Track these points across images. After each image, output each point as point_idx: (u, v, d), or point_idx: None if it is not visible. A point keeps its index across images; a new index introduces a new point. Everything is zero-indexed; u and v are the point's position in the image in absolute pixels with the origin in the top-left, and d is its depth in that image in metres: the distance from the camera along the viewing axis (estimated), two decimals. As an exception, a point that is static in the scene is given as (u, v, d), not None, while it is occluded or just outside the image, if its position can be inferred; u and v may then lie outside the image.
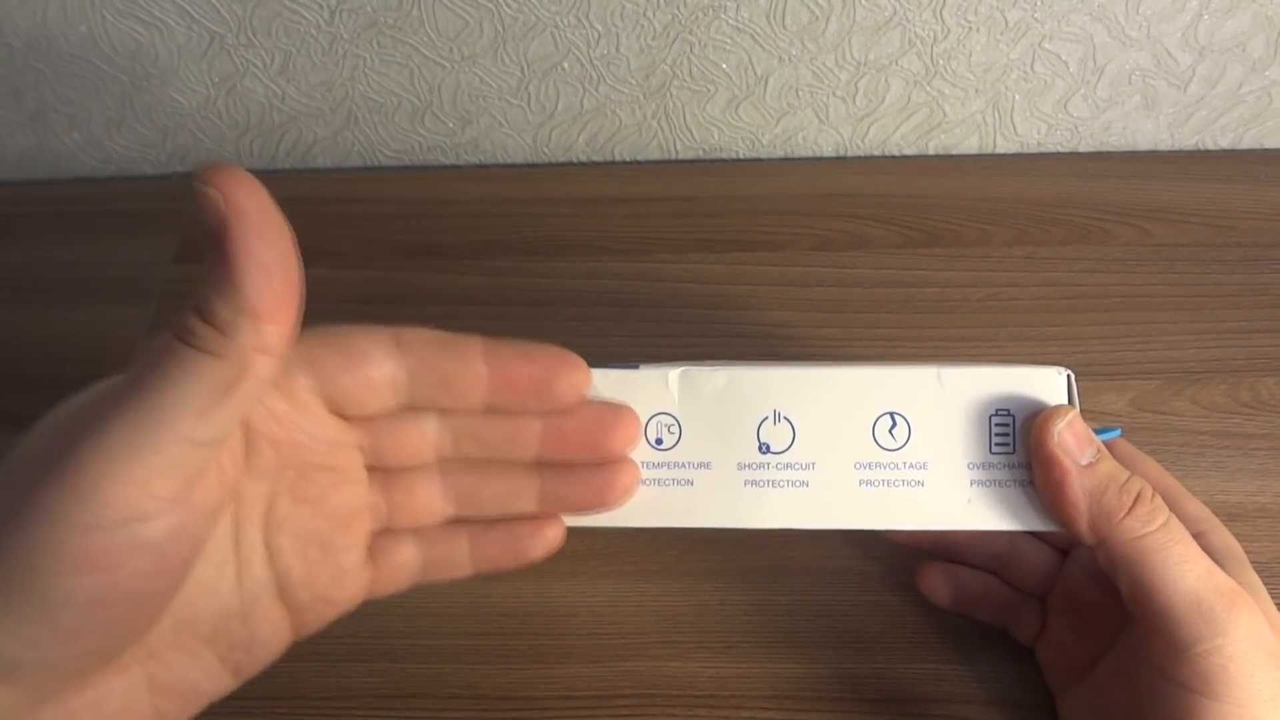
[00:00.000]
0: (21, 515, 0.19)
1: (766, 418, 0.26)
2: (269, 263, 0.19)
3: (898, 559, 0.36)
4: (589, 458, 0.25)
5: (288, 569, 0.24)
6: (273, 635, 0.24)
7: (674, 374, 0.26)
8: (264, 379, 0.20)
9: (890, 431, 0.26)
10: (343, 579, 0.24)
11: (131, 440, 0.19)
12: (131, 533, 0.19)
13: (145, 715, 0.22)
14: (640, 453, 0.26)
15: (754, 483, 0.26)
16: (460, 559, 0.26)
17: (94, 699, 0.21)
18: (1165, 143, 0.50)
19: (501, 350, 0.24)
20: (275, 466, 0.23)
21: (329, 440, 0.24)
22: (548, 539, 0.25)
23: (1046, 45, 0.45)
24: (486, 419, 0.24)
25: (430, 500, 0.25)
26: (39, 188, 0.51)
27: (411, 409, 0.24)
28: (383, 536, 0.25)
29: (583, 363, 0.24)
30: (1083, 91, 0.47)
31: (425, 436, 0.25)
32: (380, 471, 0.25)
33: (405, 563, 0.25)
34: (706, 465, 0.26)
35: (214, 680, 0.23)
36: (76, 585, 0.19)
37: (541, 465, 0.25)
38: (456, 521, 0.26)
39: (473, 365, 0.23)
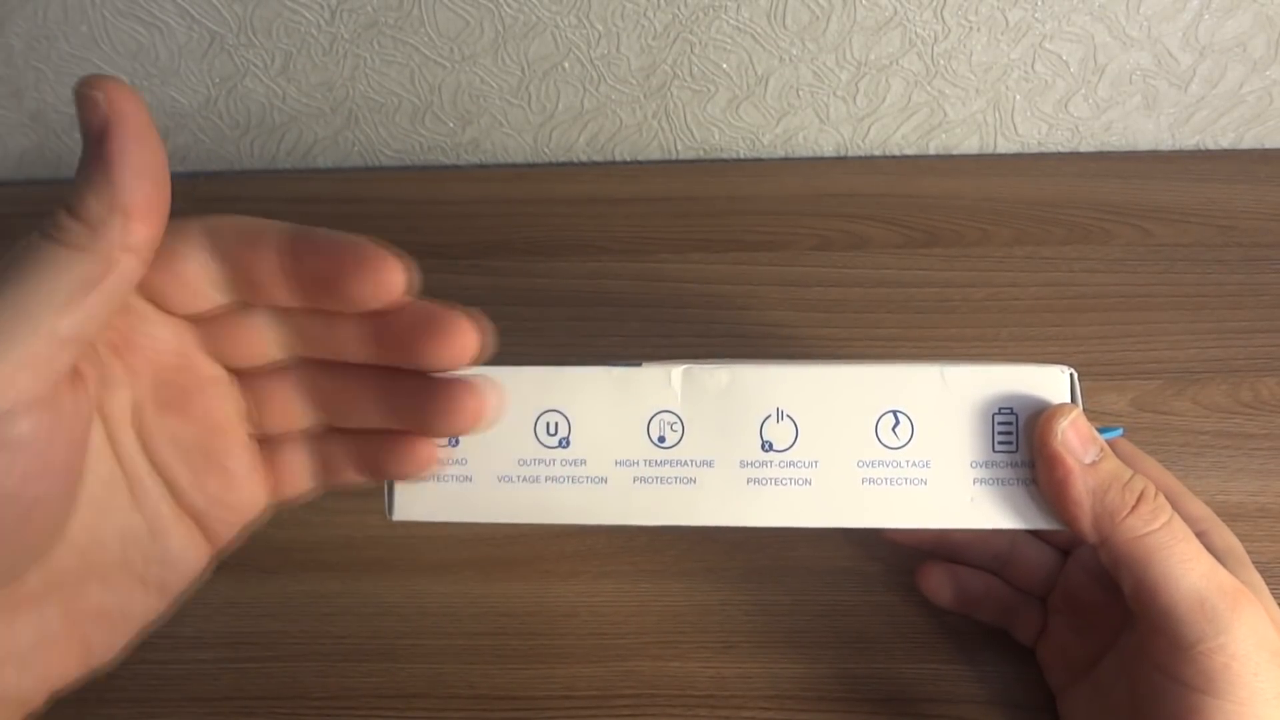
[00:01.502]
0: None
1: (769, 416, 0.26)
2: (145, 165, 0.20)
3: (899, 559, 0.36)
4: (412, 364, 0.22)
5: (175, 478, 0.23)
6: (187, 548, 0.24)
7: (677, 372, 0.26)
8: (127, 279, 0.20)
9: (893, 430, 0.26)
10: (235, 484, 0.24)
11: None
12: None
13: (70, 646, 0.22)
14: (643, 451, 0.26)
15: (756, 481, 0.26)
16: (343, 467, 0.24)
17: (6, 634, 0.21)
18: (1166, 143, 0.50)
19: (300, 241, 0.22)
20: (127, 374, 0.22)
21: (171, 341, 0.23)
22: (416, 456, 0.24)
23: (1047, 45, 0.45)
24: (311, 316, 0.22)
25: (287, 404, 0.24)
26: (39, 188, 0.51)
27: (244, 306, 0.23)
28: (270, 440, 0.24)
29: (394, 261, 0.21)
30: (1083, 91, 0.47)
31: (262, 335, 0.23)
32: (238, 374, 0.24)
33: (297, 466, 0.24)
34: (709, 463, 0.26)
35: (139, 603, 0.23)
36: None
37: (384, 372, 0.23)
38: (330, 429, 0.24)
39: (266, 256, 0.21)
